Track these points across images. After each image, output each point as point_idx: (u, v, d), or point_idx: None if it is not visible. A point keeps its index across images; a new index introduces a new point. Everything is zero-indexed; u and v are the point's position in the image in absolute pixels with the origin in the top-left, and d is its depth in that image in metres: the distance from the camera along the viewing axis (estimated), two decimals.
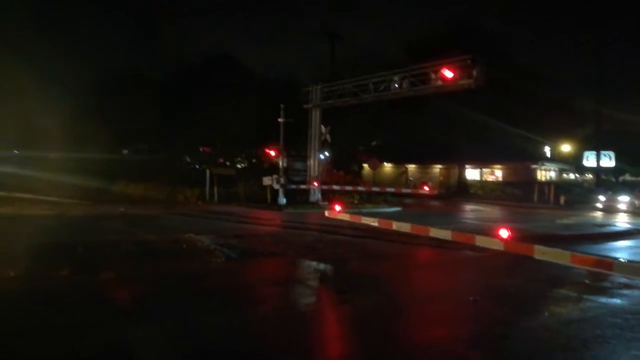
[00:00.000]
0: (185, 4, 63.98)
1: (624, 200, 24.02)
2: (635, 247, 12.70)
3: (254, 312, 5.86)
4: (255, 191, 23.31)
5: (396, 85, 19.74)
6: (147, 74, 38.60)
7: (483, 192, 34.78)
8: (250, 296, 6.71)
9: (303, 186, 22.63)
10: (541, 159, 39.10)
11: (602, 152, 32.68)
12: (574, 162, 40.78)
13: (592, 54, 31.50)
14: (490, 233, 6.44)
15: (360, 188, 23.02)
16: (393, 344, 4.90)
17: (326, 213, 10.92)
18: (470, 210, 24.17)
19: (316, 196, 22.23)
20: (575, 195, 28.11)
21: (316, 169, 22.98)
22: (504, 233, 5.83)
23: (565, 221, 18.07)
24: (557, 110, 33.89)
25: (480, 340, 5.05)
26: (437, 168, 41.19)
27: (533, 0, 45.60)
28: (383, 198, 23.66)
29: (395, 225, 8.14)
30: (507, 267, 8.37)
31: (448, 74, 17.51)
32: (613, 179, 34.77)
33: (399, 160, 41.67)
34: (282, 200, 21.17)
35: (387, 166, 42.42)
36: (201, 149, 38.46)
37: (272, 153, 23.62)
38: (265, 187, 22.22)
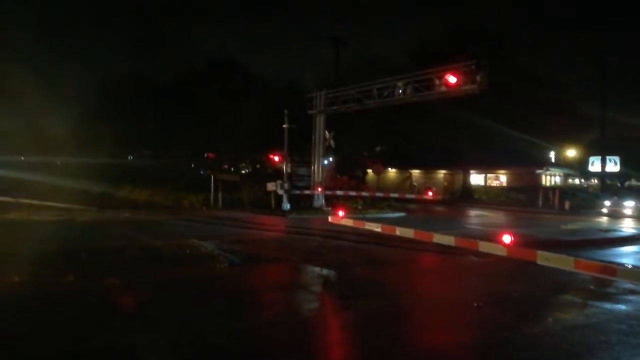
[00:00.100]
0: (189, 9, 64.53)
1: (629, 206, 23.88)
2: None
3: (257, 317, 5.87)
4: (259, 197, 23.34)
5: (400, 91, 19.76)
6: (151, 80, 38.87)
7: (487, 198, 34.64)
8: (254, 301, 6.73)
9: (307, 192, 22.65)
10: (546, 164, 38.92)
11: (608, 157, 32.53)
12: (579, 167, 40.59)
13: (594, 57, 31.44)
14: (494, 239, 6.44)
15: (364, 193, 23.01)
16: (396, 349, 4.90)
17: (329, 219, 10.94)
18: (475, 216, 24.10)
19: (320, 202, 22.23)
20: (581, 201, 27.95)
21: (320, 174, 22.99)
22: (506, 239, 5.83)
23: (570, 226, 17.98)
24: (562, 115, 33.78)
25: (484, 346, 5.04)
26: (442, 173, 41.11)
27: (535, 3, 45.63)
28: (387, 203, 23.63)
29: (399, 231, 8.15)
30: (510, 272, 8.35)
31: (452, 79, 17.54)
32: (618, 184, 34.57)
33: (403, 165, 41.62)
34: (286, 205, 21.19)
35: (391, 172, 42.36)
36: (206, 155, 38.63)
37: (276, 159, 23.67)
38: (269, 192, 22.25)
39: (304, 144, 24.39)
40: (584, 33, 32.40)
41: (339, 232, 12.50)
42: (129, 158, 39.54)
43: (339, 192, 22.13)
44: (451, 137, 32.24)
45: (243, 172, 35.53)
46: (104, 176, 27.05)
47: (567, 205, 27.12)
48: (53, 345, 4.77)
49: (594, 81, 32.10)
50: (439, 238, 7.23)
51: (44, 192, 22.63)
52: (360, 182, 30.27)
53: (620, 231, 17.54)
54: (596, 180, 37.52)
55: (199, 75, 38.59)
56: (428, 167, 40.88)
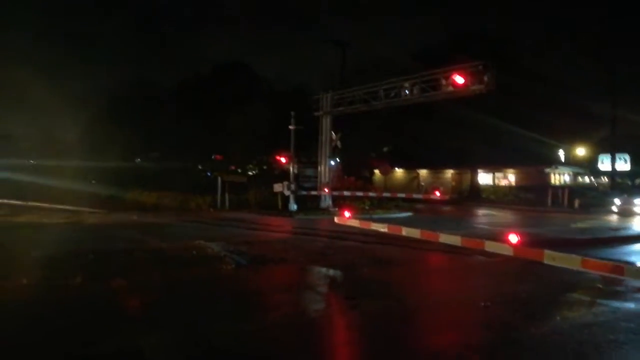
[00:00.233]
0: (195, 13, 64.84)
1: (639, 204, 23.62)
2: None
3: (264, 318, 5.89)
4: (266, 198, 23.39)
5: (407, 92, 19.71)
6: (158, 84, 39.14)
7: (496, 197, 34.45)
8: (260, 302, 6.74)
9: (314, 192, 22.65)
10: (555, 162, 38.62)
11: (618, 154, 32.21)
12: (589, 166, 40.23)
13: (602, 54, 31.17)
14: (500, 238, 6.40)
15: (371, 194, 22.96)
16: (403, 349, 4.89)
17: (336, 219, 10.94)
18: (483, 215, 23.97)
19: (327, 202, 22.23)
20: (590, 199, 27.69)
21: (327, 175, 22.99)
22: (513, 238, 5.79)
23: (580, 225, 17.83)
24: (572, 113, 33.50)
25: (491, 346, 5.01)
26: (449, 173, 40.94)
27: (535, 2, 45.27)
28: (394, 204, 23.57)
29: (405, 231, 8.13)
30: (518, 272, 8.29)
31: (459, 79, 17.47)
32: (629, 182, 34.23)
33: (411, 165, 41.50)
34: (293, 206, 21.21)
35: (399, 172, 42.27)
36: (213, 157, 38.78)
37: (283, 160, 23.70)
38: (276, 193, 22.28)
39: (310, 145, 24.43)
40: (587, 33, 32.11)
41: (346, 232, 12.50)
42: (136, 161, 39.78)
43: (346, 193, 22.10)
44: (459, 136, 32.09)
45: (250, 173, 35.64)
46: (112, 179, 27.26)
47: (576, 203, 26.88)
48: (62, 349, 4.81)
49: (604, 79, 31.83)
50: (446, 238, 7.20)
51: (53, 195, 22.86)
52: (367, 183, 30.23)
53: (631, 229, 17.35)
54: (606, 179, 37.18)
55: (206, 78, 38.80)
56: (436, 166, 40.73)
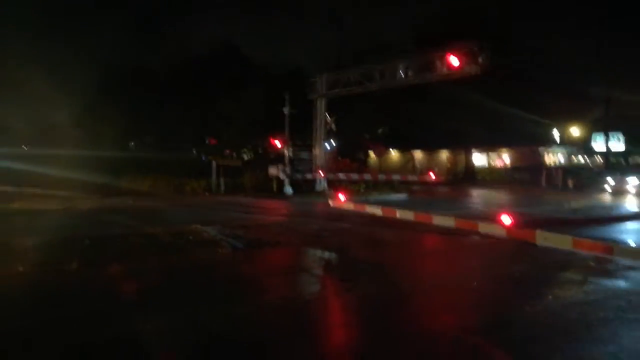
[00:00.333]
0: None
1: (633, 183, 23.78)
2: None
3: (260, 301, 5.95)
4: (261, 181, 23.41)
5: (402, 74, 19.63)
6: (150, 68, 38.63)
7: (491, 178, 34.59)
8: (257, 285, 6.80)
9: (309, 176, 22.67)
10: (549, 142, 38.71)
11: (612, 133, 32.25)
12: (583, 146, 40.31)
13: (596, 32, 31.01)
14: (494, 219, 6.45)
15: (366, 176, 23.02)
16: (398, 331, 4.95)
17: (331, 202, 10.99)
18: (477, 196, 24.08)
19: (322, 185, 22.27)
20: (584, 179, 27.81)
21: (322, 158, 22.99)
22: (506, 219, 5.84)
23: (574, 205, 17.96)
24: (566, 93, 33.45)
25: (485, 326, 5.08)
26: (444, 154, 40.97)
27: None
28: (390, 186, 23.62)
29: (399, 214, 8.18)
30: (511, 252, 8.36)
31: (454, 61, 17.38)
32: (623, 162, 34.37)
33: (406, 147, 41.47)
34: (288, 190, 21.25)
35: (394, 153, 42.27)
36: (207, 141, 38.59)
37: (278, 143, 23.65)
38: (271, 177, 22.30)
39: (305, 128, 24.35)
40: (581, 14, 31.80)
41: (341, 215, 12.53)
42: (130, 145, 39.56)
43: (341, 176, 22.15)
44: (453, 117, 32.05)
45: (245, 157, 35.56)
46: (107, 165, 27.12)
47: (570, 183, 27.04)
48: (58, 336, 4.83)
49: (598, 58, 31.69)
50: (439, 220, 7.26)
51: (47, 182, 22.76)
52: (362, 165, 30.30)
53: (623, 208, 17.52)
54: (600, 158, 37.34)
55: (199, 61, 38.34)
56: (430, 148, 40.74)
